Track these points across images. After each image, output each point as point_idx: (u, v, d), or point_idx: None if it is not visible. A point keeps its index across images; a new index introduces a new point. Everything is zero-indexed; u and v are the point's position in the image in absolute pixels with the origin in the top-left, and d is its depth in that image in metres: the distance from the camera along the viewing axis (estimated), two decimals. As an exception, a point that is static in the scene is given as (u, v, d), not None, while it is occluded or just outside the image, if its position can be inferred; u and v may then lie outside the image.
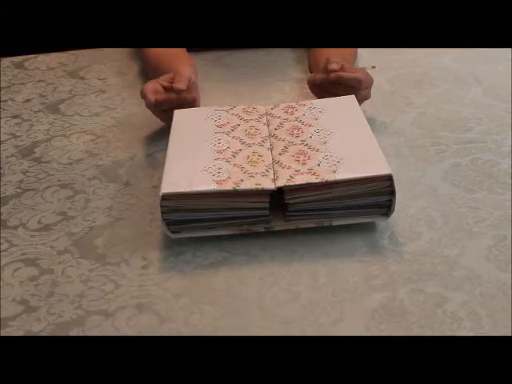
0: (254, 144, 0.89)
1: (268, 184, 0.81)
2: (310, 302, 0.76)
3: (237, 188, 0.80)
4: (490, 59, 1.29)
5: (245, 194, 0.81)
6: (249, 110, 0.98)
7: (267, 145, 0.90)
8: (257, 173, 0.83)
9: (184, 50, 1.20)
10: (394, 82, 1.21)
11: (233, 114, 0.96)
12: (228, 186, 0.80)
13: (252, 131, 0.92)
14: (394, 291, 0.77)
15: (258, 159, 0.86)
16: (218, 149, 0.87)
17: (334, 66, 1.03)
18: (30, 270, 0.82)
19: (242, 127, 0.93)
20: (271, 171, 0.84)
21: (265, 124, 0.94)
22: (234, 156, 0.86)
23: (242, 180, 0.82)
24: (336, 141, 0.88)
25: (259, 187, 0.81)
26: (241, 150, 0.88)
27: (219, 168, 0.83)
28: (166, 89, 1.01)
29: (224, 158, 0.85)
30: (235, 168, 0.84)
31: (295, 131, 0.91)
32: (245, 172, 0.83)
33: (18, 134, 1.11)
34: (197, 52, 1.28)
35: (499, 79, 1.21)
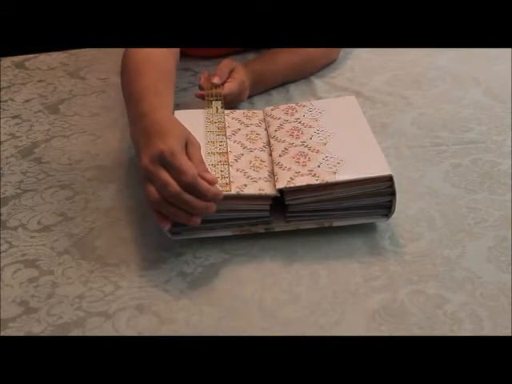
0: (255, 149, 0.90)
1: (271, 189, 0.82)
2: (310, 303, 0.76)
3: (240, 193, 0.80)
4: (489, 59, 1.29)
5: (247, 197, 0.81)
6: (249, 114, 0.98)
7: (268, 150, 0.90)
8: (260, 178, 0.83)
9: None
10: (392, 83, 1.21)
11: (233, 119, 0.96)
12: (231, 190, 0.80)
13: (253, 136, 0.92)
14: (394, 292, 0.77)
15: (261, 164, 0.86)
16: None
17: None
18: (30, 271, 0.82)
19: (243, 132, 0.93)
20: (274, 176, 0.84)
21: (265, 129, 0.94)
22: (236, 160, 0.86)
23: (246, 185, 0.82)
24: (336, 142, 0.88)
25: (263, 192, 0.81)
26: (242, 154, 0.88)
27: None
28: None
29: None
30: (238, 172, 0.84)
31: (295, 132, 0.91)
32: (247, 177, 0.83)
33: (17, 134, 1.11)
34: (197, 54, 1.28)
35: (499, 79, 1.21)
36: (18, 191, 0.96)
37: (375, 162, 0.84)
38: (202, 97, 1.01)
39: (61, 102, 1.20)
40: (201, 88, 1.04)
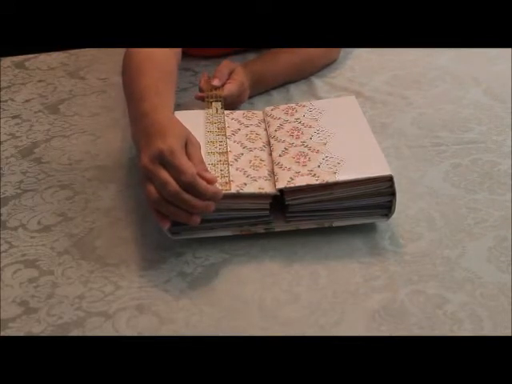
0: (255, 148, 0.90)
1: (271, 188, 0.82)
2: (310, 303, 0.76)
3: (240, 191, 0.80)
4: (489, 59, 1.29)
5: (247, 196, 0.81)
6: (248, 114, 0.98)
7: (268, 150, 0.90)
8: (259, 177, 0.83)
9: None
10: (392, 83, 1.21)
11: (233, 119, 0.96)
12: (231, 189, 0.80)
13: (252, 136, 0.92)
14: (394, 292, 0.77)
15: (261, 164, 0.86)
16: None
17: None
18: (30, 271, 0.82)
19: (243, 132, 0.93)
20: (273, 176, 0.84)
21: (265, 130, 0.94)
22: (236, 160, 0.86)
23: (245, 184, 0.82)
24: (336, 142, 0.88)
25: (262, 191, 0.81)
26: (242, 154, 0.88)
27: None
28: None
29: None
30: (237, 172, 0.84)
31: (295, 132, 0.91)
32: (247, 176, 0.83)
33: (17, 134, 1.11)
34: (197, 54, 1.28)
35: (499, 79, 1.21)
36: (18, 191, 0.96)
37: (375, 162, 0.84)
38: (202, 99, 1.02)
39: (61, 102, 1.20)
40: (201, 90, 1.04)
